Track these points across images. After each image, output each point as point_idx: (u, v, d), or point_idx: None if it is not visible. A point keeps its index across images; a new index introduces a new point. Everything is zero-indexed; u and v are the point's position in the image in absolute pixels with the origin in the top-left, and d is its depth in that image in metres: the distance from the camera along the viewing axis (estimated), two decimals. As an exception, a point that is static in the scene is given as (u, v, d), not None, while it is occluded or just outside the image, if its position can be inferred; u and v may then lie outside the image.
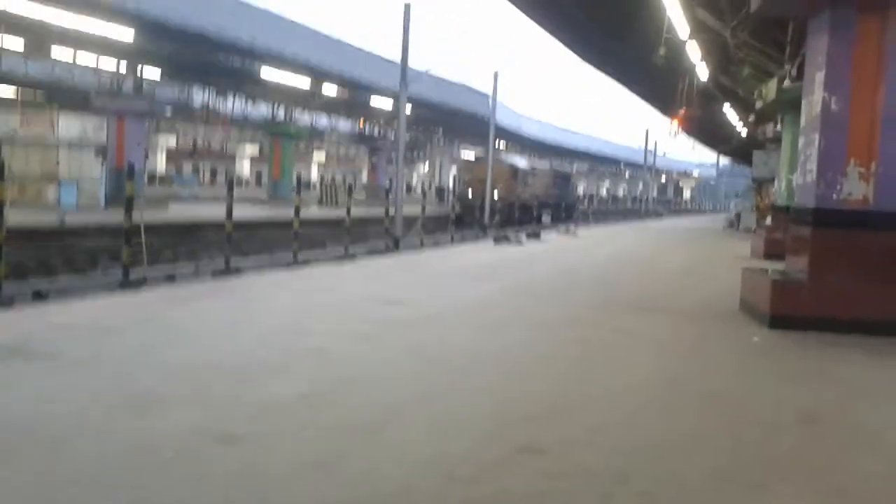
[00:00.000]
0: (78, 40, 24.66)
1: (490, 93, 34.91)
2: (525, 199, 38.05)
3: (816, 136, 7.81)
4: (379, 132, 49.85)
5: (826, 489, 3.48)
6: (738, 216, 36.56)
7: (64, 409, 4.05)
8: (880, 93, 7.58)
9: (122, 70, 29.69)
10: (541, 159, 74.11)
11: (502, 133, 46.13)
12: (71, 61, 28.91)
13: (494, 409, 4.42)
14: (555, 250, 17.19)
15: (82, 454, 3.43)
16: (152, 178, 56.64)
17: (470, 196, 34.04)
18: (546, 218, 36.99)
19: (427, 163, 74.97)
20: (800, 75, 12.74)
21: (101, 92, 29.73)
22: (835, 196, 7.70)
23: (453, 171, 60.77)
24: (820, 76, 7.81)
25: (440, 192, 58.99)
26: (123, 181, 11.55)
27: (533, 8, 19.05)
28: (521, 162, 43.41)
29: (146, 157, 43.38)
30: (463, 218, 29.52)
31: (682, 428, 4.27)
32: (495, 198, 33.48)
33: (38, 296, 11.04)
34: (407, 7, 21.70)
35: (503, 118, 43.18)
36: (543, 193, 41.37)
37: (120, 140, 28.62)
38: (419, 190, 58.55)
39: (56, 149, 24.56)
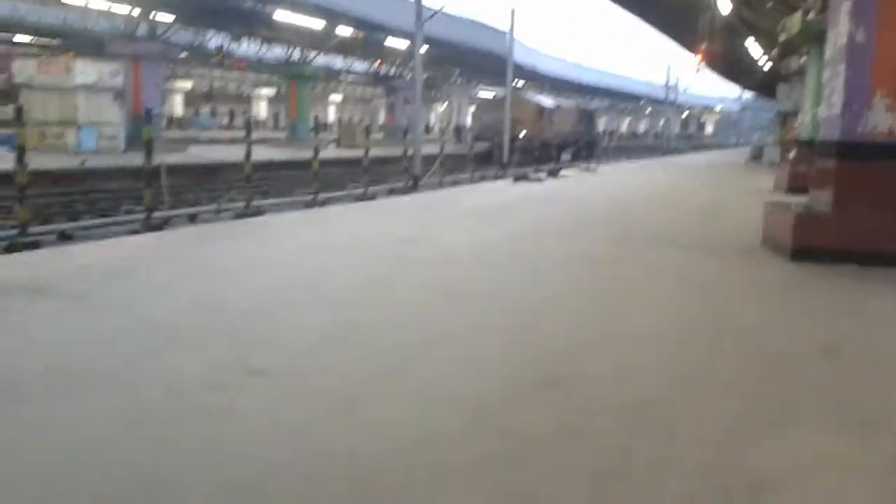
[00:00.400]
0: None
1: (507, 30, 34.36)
2: (551, 137, 37.93)
3: (842, 68, 7.66)
4: (395, 72, 49.31)
5: (849, 423, 3.51)
6: (761, 149, 36.18)
7: (89, 349, 4.13)
8: (908, 22, 7.40)
9: (135, 15, 29.42)
10: (559, 97, 73.38)
11: (520, 71, 45.39)
12: (83, 7, 28.59)
13: (517, 347, 4.46)
14: (574, 188, 17.10)
15: (111, 393, 3.51)
16: (171, 120, 56.75)
17: (493, 135, 33.46)
18: (566, 156, 36.80)
19: (445, 103, 74.27)
20: (825, 6, 12.44)
21: (116, 37, 29.55)
22: (860, 128, 7.58)
23: (471, 109, 60.21)
24: (846, 6, 7.62)
25: (458, 131, 58.60)
26: (142, 125, 11.57)
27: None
28: (546, 100, 42.23)
29: (163, 100, 43.35)
30: (491, 156, 30.40)
31: (704, 364, 4.29)
32: (521, 136, 33.42)
33: (64, 237, 11.20)
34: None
35: (521, 56, 42.50)
36: (570, 131, 41.61)
37: (137, 84, 28.56)
38: (437, 129, 58.21)
39: (74, 94, 24.54)
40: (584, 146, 41.32)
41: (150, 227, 10.24)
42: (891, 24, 7.46)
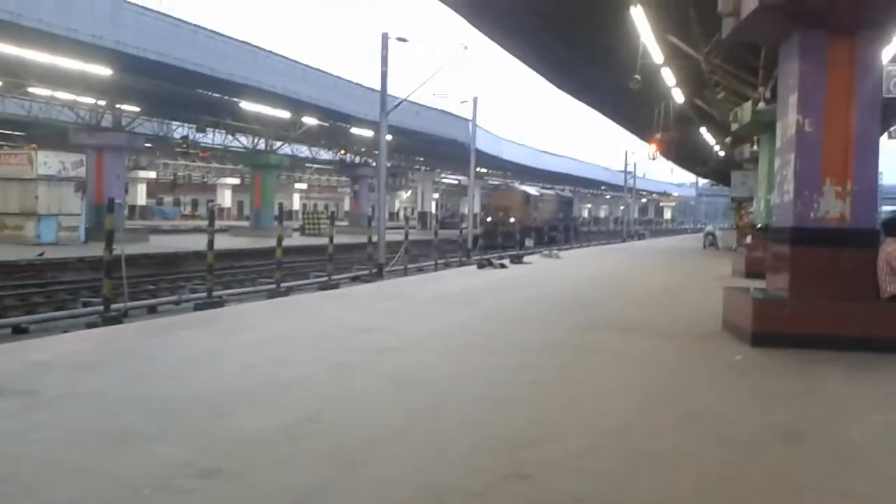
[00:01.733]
0: (55, 78, 24.59)
1: (470, 118, 35.18)
2: (536, 222, 41.41)
3: (792, 157, 7.91)
4: (360, 160, 49.95)
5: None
6: (713, 235, 36.98)
7: (40, 447, 4.00)
8: (852, 113, 7.71)
9: (101, 105, 29.63)
10: (524, 184, 74.73)
11: (484, 157, 46.31)
12: (49, 97, 28.74)
13: (477, 438, 4.40)
14: (537, 273, 17.22)
15: (58, 494, 3.38)
16: (133, 210, 56.55)
17: (489, 220, 39.18)
18: (529, 242, 37.38)
19: (409, 191, 75.23)
20: (773, 97, 12.96)
21: (80, 128, 29.66)
22: (812, 214, 7.79)
23: (434, 196, 61.25)
24: (793, 98, 7.93)
25: (423, 217, 59.20)
26: (103, 215, 11.50)
27: (508, 40, 19.22)
28: (531, 189, 47.10)
29: (126, 190, 43.28)
30: (485, 240, 34.39)
31: (667, 449, 4.27)
32: (511, 221, 38.02)
33: (19, 331, 10.96)
34: (385, 36, 21.86)
35: (484, 143, 43.44)
36: (552, 217, 45.47)
37: (100, 175, 28.54)
38: (401, 216, 58.70)
39: (35, 185, 24.42)
40: (564, 230, 45.74)
41: (109, 319, 10.07)
42: (838, 114, 7.76)
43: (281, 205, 18.87)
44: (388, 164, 38.18)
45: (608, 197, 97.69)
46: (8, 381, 5.39)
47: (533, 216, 41.79)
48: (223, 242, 23.18)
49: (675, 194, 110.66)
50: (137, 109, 31.29)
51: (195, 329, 8.26)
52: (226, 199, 72.66)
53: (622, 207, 70.76)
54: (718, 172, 40.99)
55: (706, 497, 3.56)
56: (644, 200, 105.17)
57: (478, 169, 44.31)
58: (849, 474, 3.98)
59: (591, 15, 14.57)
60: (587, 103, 28.48)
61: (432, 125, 39.92)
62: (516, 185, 50.69)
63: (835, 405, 5.59)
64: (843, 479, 3.90)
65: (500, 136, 52.15)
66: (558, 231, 43.27)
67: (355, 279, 18.52)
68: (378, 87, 22.61)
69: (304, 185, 77.17)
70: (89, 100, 28.95)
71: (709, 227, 39.60)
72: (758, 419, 5.01)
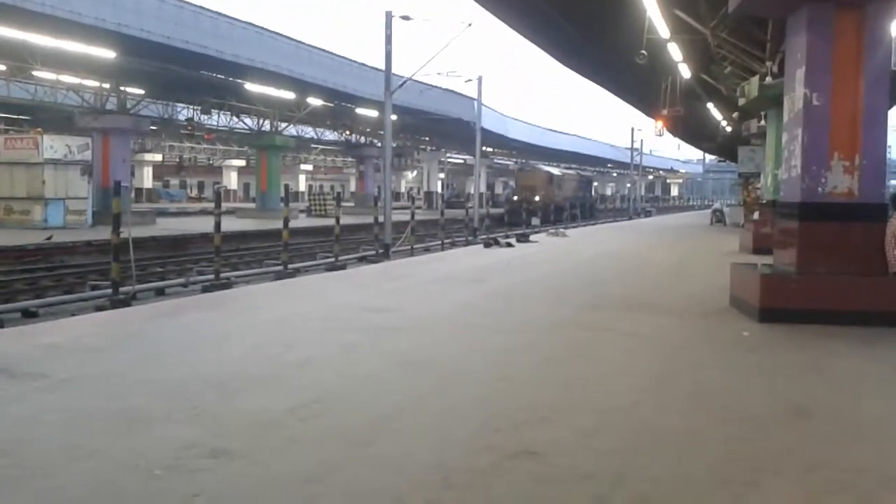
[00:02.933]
0: (60, 62, 24.54)
1: (475, 97, 35.02)
2: (559, 200, 43.80)
3: (799, 132, 7.86)
4: (366, 141, 49.83)
5: (819, 484, 3.50)
6: (721, 212, 36.81)
7: (50, 430, 4.03)
8: (860, 86, 7.66)
9: (106, 88, 29.57)
10: (528, 162, 74.80)
11: (490, 136, 46.18)
12: (53, 81, 28.67)
13: (485, 417, 4.41)
14: (544, 251, 17.21)
15: (69, 476, 3.41)
16: (139, 193, 56.65)
17: (515, 199, 42.30)
18: (535, 220, 37.37)
19: (415, 171, 75.09)
20: (781, 72, 12.82)
21: (85, 111, 29.63)
22: (820, 189, 7.75)
23: (440, 176, 61.39)
24: (800, 72, 7.87)
25: (429, 197, 59.15)
26: (110, 198, 11.50)
27: (513, 17, 19.07)
28: (554, 170, 50.75)
29: (132, 173, 43.30)
30: (511, 218, 36.80)
31: (675, 427, 4.27)
32: (536, 200, 40.74)
33: (28, 315, 11.03)
34: (388, 14, 21.74)
35: (489, 122, 43.33)
36: (573, 195, 48.45)
37: (105, 158, 28.53)
38: (407, 196, 58.69)
39: (41, 169, 24.45)
40: (584, 207, 48.26)
41: (117, 302, 10.11)
42: (846, 88, 7.69)
43: (287, 186, 18.80)
44: (394, 145, 38.21)
45: (615, 175, 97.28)
46: (18, 365, 5.42)
47: (556, 194, 44.58)
48: (230, 224, 23.21)
49: (682, 171, 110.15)
50: (142, 92, 31.21)
51: (203, 311, 8.29)
52: (232, 181, 72.62)
53: (629, 185, 70.54)
54: (725, 148, 40.76)
55: (715, 474, 3.57)
56: (651, 178, 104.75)
57: (483, 148, 44.24)
58: (859, 450, 3.98)
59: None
60: (593, 80, 28.28)
61: (437, 104, 39.74)
62: (541, 165, 52.95)
63: (844, 381, 5.59)
64: (854, 455, 3.90)
65: (505, 115, 51.91)
66: (578, 208, 45.47)
67: (362, 260, 18.54)
68: (383, 66, 22.52)
69: (309, 167, 77.04)
70: (94, 83, 28.89)
71: (716, 205, 39.44)
72: (766, 395, 5.01)
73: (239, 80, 28.80)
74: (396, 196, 59.35)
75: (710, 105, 25.81)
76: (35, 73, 26.29)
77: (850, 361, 6.18)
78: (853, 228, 7.76)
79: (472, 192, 40.76)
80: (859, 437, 4.24)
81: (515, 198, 43.17)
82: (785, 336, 7.04)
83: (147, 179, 63.77)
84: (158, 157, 62.08)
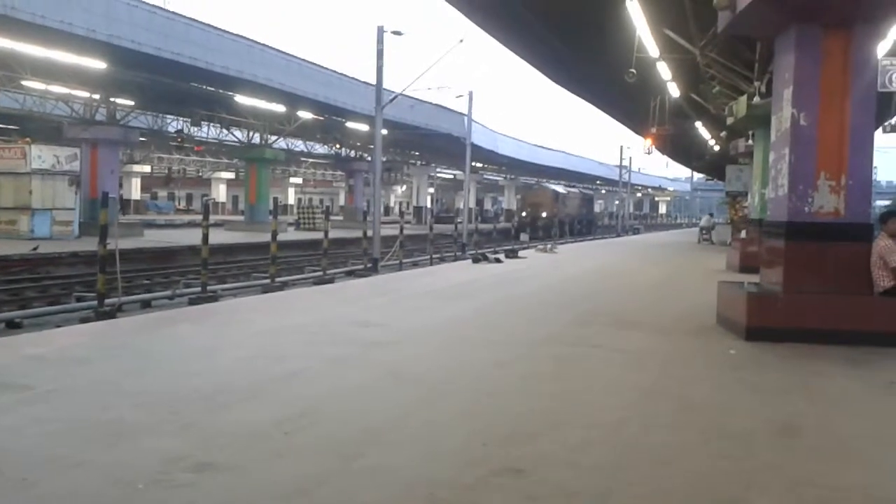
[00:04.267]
0: (50, 72, 24.50)
1: (466, 112, 35.15)
2: (563, 217, 47.02)
3: (786, 151, 7.92)
4: (356, 155, 49.87)
5: (805, 502, 3.50)
6: (708, 230, 36.94)
7: (35, 441, 3.99)
8: (847, 107, 7.72)
9: (95, 99, 29.49)
10: (519, 179, 75.42)
11: (479, 152, 46.34)
12: (43, 91, 28.56)
13: (472, 430, 4.40)
14: (533, 267, 17.23)
15: (53, 487, 3.38)
16: (127, 204, 56.40)
17: (524, 215, 45.95)
18: (524, 236, 37.52)
19: (404, 185, 75.17)
20: (769, 92, 12.94)
21: (74, 122, 29.52)
22: (806, 209, 7.80)
23: (430, 191, 61.77)
24: (788, 93, 7.93)
25: (418, 212, 59.17)
26: (97, 210, 11.44)
27: (504, 33, 19.17)
28: (559, 188, 55.30)
29: (120, 185, 43.10)
30: (519, 232, 38.49)
31: (661, 444, 4.28)
32: (542, 216, 44.36)
33: (13, 326, 10.94)
34: (380, 29, 21.81)
35: (479, 138, 43.46)
36: (576, 212, 52.75)
37: (94, 169, 28.39)
38: (397, 211, 58.72)
39: (28, 179, 24.33)
40: (586, 223, 53.18)
41: (103, 314, 10.05)
42: (833, 108, 7.76)
43: (276, 199, 18.81)
44: (384, 159, 38.24)
45: (603, 192, 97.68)
46: (2, 376, 5.38)
47: (561, 211, 48.02)
48: (218, 237, 23.14)
49: (671, 189, 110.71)
50: (132, 103, 31.14)
51: (190, 324, 8.24)
52: (221, 193, 72.41)
53: (617, 202, 70.87)
54: (713, 167, 40.99)
55: (700, 491, 3.57)
56: (639, 195, 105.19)
57: (473, 163, 44.44)
58: (845, 468, 4.00)
59: (587, 8, 14.55)
60: (582, 97, 28.44)
61: (428, 119, 39.82)
62: (547, 184, 59.48)
63: (829, 399, 5.61)
64: (839, 473, 3.92)
65: (495, 131, 52.07)
66: (581, 224, 49.84)
67: (350, 274, 18.52)
68: (374, 80, 22.56)
69: (299, 180, 76.96)
70: (84, 93, 28.81)
71: (703, 222, 39.59)
72: (752, 413, 5.02)
73: (229, 93, 28.80)
74: (386, 210, 59.38)
75: (698, 124, 25.99)
76: (24, 82, 26.19)
77: (836, 381, 6.21)
78: (839, 248, 7.80)
79: (461, 207, 41.04)
80: (845, 455, 4.25)
81: (524, 214, 46.60)
82: (771, 354, 7.06)
83: (135, 191, 63.51)
84: (147, 169, 61.88)
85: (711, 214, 43.05)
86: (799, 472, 3.88)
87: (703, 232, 37.21)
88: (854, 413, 5.23)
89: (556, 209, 47.02)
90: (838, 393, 5.82)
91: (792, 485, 3.70)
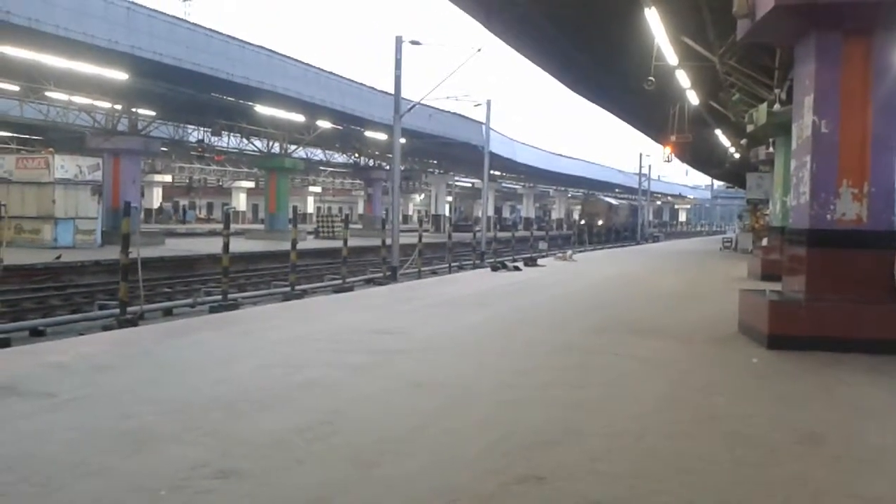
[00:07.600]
0: (72, 83, 24.81)
1: (484, 120, 35.19)
2: (615, 225, 55.71)
3: (808, 159, 7.87)
4: (374, 163, 50.03)
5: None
6: (734, 240, 36.72)
7: (58, 448, 4.03)
8: (869, 113, 7.67)
9: (117, 109, 29.82)
10: (537, 187, 75.54)
11: (498, 160, 46.33)
12: (66, 102, 28.93)
13: (493, 439, 4.40)
14: (552, 275, 17.19)
15: (75, 493, 3.41)
16: (148, 213, 56.91)
17: (582, 223, 53.01)
18: (543, 244, 37.42)
19: (423, 194, 75.29)
20: (789, 99, 12.86)
21: (97, 132, 29.85)
22: (829, 216, 7.74)
23: (448, 199, 62.05)
24: (809, 100, 7.88)
25: (436, 220, 59.23)
26: (120, 219, 11.57)
27: (522, 43, 19.18)
28: (612, 200, 64.37)
29: (142, 194, 43.50)
30: (580, 238, 42.66)
31: (683, 452, 4.25)
32: (599, 224, 52.20)
33: (36, 333, 11.07)
34: (399, 39, 21.91)
35: (498, 146, 43.50)
36: (625, 221, 60.47)
37: (116, 178, 28.69)
38: (415, 219, 58.86)
39: (52, 188, 24.60)
40: (632, 230, 58.99)
41: (125, 322, 10.14)
42: (854, 115, 7.71)
43: (295, 208, 18.88)
44: (402, 168, 38.34)
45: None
46: (26, 383, 5.43)
47: (613, 220, 56.64)
48: (238, 245, 23.27)
49: (690, 197, 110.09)
50: (153, 113, 31.47)
51: (210, 331, 8.29)
52: (241, 202, 72.89)
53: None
54: (733, 174, 40.78)
55: (724, 500, 3.54)
56: (658, 203, 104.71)
57: (491, 171, 44.43)
58: (870, 477, 3.95)
59: (605, 17, 14.54)
60: (601, 105, 28.38)
61: (446, 128, 39.93)
62: (601, 196, 68.21)
63: (853, 408, 5.55)
64: (864, 482, 3.87)
65: (513, 139, 52.08)
66: (627, 230, 56.75)
67: (369, 282, 18.56)
68: (392, 90, 22.66)
69: (318, 189, 77.30)
70: (106, 104, 29.14)
71: (728, 234, 39.60)
72: (775, 422, 4.97)
73: (249, 103, 29.04)
74: (404, 219, 59.45)
75: (718, 131, 25.88)
76: (48, 93, 26.54)
77: (860, 389, 6.14)
78: (862, 256, 7.73)
79: (479, 215, 41.09)
80: (870, 464, 4.20)
81: (582, 222, 54.00)
82: (794, 363, 7.00)
83: (157, 200, 64.07)
84: (168, 178, 62.43)
85: (741, 217, 42.72)
86: (823, 482, 3.84)
87: (726, 242, 36.95)
88: (878, 422, 5.17)
89: (610, 218, 55.49)
90: (862, 402, 5.76)
91: (817, 494, 3.66)
